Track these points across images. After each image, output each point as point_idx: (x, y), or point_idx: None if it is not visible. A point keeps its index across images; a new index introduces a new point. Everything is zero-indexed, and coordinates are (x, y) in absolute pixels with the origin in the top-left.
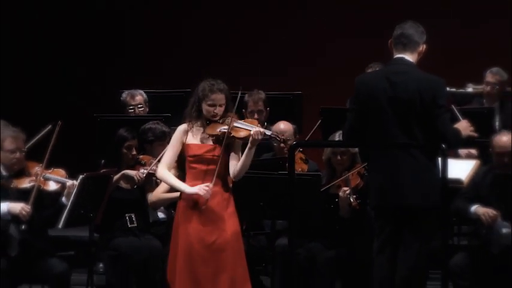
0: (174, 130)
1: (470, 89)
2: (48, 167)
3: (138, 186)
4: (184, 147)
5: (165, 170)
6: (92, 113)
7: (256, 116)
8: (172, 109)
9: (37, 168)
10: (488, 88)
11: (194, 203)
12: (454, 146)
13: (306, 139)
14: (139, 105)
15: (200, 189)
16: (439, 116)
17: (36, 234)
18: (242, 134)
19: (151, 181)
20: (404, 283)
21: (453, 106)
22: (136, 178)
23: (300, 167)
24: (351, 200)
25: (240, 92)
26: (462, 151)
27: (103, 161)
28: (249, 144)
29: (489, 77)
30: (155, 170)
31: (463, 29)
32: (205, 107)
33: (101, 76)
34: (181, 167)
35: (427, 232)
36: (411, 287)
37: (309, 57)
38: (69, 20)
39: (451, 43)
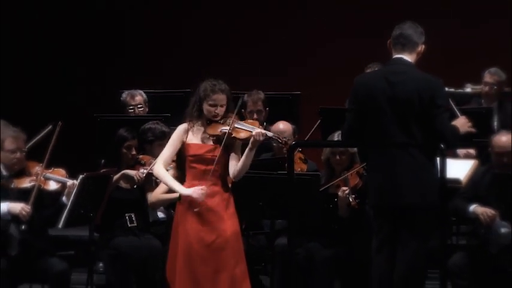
0: (174, 130)
1: (468, 89)
2: (48, 166)
3: (138, 186)
4: (184, 146)
5: (161, 168)
6: (92, 113)
7: (255, 116)
8: (172, 109)
9: (37, 168)
10: (486, 88)
11: (190, 204)
12: (452, 145)
13: (305, 139)
14: (139, 105)
15: (194, 191)
16: (438, 115)
17: (36, 234)
18: (243, 135)
19: (151, 181)
20: (403, 282)
21: (451, 102)
22: (136, 178)
23: (299, 167)
24: (350, 199)
25: (241, 99)
26: (460, 151)
27: (103, 161)
28: (249, 145)
29: (487, 77)
30: None
31: (463, 29)
32: (206, 107)
33: (101, 76)
34: (180, 166)
35: (425, 231)
36: (410, 286)
37: (309, 57)
38: (69, 20)
39: (451, 43)
